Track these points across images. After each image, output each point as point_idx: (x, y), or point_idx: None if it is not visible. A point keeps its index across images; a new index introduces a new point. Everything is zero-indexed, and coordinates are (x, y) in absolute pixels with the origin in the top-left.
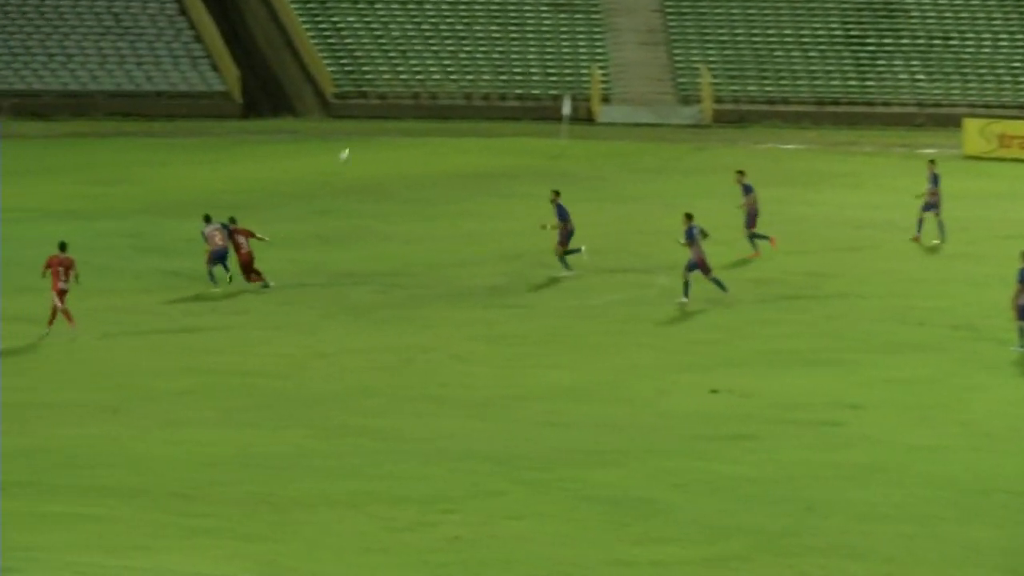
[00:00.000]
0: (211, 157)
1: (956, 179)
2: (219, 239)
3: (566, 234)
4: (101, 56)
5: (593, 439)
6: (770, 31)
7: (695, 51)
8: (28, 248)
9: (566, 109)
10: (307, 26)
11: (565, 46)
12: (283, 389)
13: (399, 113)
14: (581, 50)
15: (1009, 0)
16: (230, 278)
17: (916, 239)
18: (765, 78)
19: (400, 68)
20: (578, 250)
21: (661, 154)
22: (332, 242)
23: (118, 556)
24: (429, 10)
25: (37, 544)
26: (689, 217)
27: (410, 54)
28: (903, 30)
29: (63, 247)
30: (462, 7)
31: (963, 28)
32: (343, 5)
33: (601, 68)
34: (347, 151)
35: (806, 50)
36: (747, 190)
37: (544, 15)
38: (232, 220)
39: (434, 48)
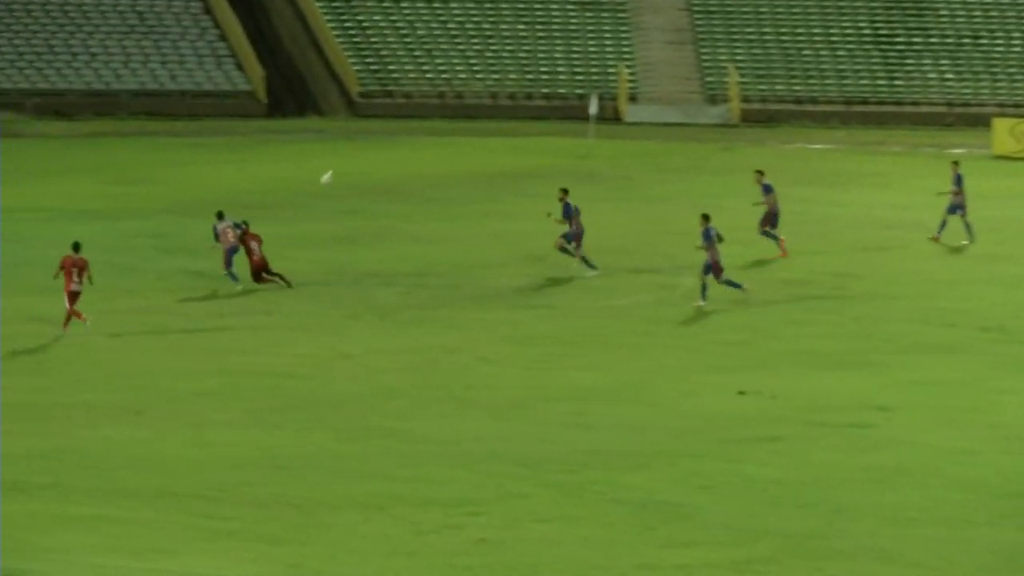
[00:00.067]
0: (236, 157)
1: (985, 179)
2: (231, 236)
3: (576, 234)
4: (125, 55)
5: (619, 441)
6: (798, 30)
7: (723, 50)
8: (51, 248)
9: (593, 108)
10: (332, 25)
11: (592, 45)
12: (308, 390)
13: (425, 112)
14: (608, 49)
15: None
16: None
17: (935, 239)
18: (793, 77)
19: (426, 67)
20: (594, 269)
21: (688, 154)
22: (357, 242)
23: (142, 559)
24: (455, 8)
25: (60, 546)
26: (706, 218)
27: (436, 53)
28: (932, 29)
29: (77, 247)
30: (488, 5)
31: (992, 27)
32: (369, 3)
33: (628, 67)
34: (329, 173)
35: (834, 49)
36: (767, 189)
37: (571, 13)
38: (245, 223)
39: (460, 47)
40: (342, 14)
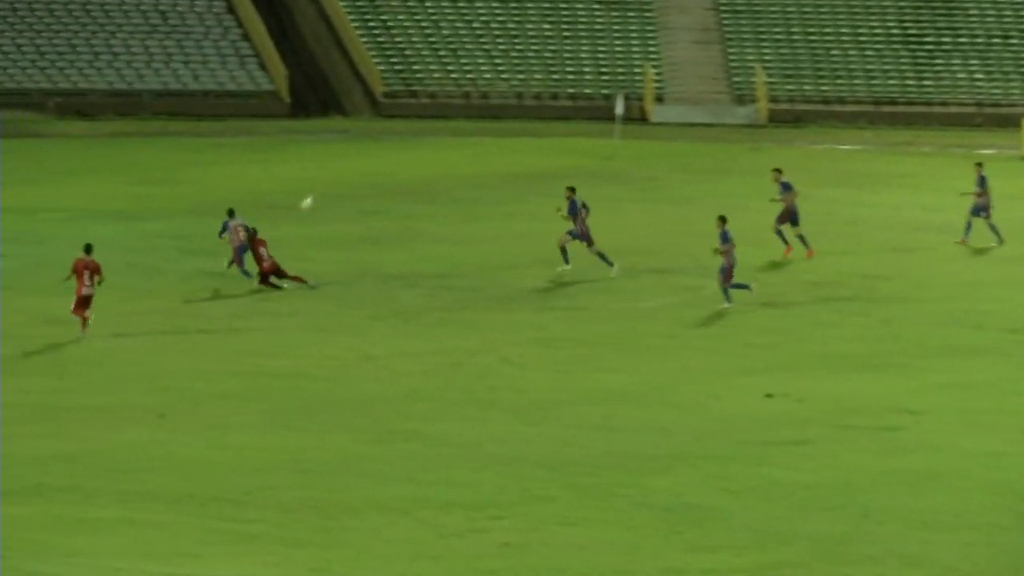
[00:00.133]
0: (259, 157)
1: (1014, 180)
2: (242, 234)
3: (582, 233)
4: (148, 55)
5: (645, 444)
6: (826, 29)
7: (750, 50)
8: (73, 249)
9: (619, 109)
10: (356, 24)
11: (618, 44)
12: (331, 393)
13: (449, 112)
14: (634, 49)
15: None
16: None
17: (963, 242)
18: (821, 77)
19: (451, 67)
20: (611, 265)
21: (715, 155)
22: (381, 243)
23: (163, 563)
24: (480, 8)
25: (81, 550)
26: (723, 220)
27: (461, 52)
28: (961, 28)
29: (89, 249)
30: (513, 4)
31: (1023, 26)
32: (393, 2)
33: (654, 67)
34: (310, 199)
35: (863, 49)
36: (785, 188)
37: (597, 13)
38: (253, 229)
39: (485, 46)
40: (366, 13)
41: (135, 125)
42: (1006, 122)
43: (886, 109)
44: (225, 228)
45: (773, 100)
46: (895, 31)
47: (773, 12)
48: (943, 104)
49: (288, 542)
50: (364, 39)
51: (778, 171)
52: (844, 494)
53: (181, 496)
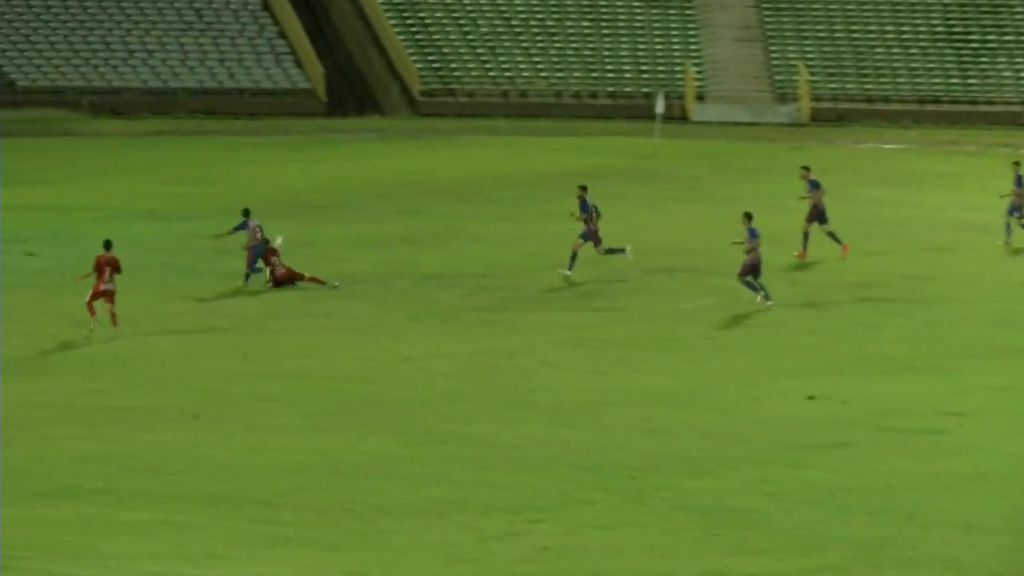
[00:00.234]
0: (295, 156)
1: None
2: (259, 235)
3: (590, 232)
4: (183, 52)
5: (685, 446)
6: (870, 27)
7: (792, 47)
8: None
9: (659, 107)
10: (394, 22)
11: (658, 42)
12: (368, 394)
13: (488, 111)
14: (675, 46)
15: None
16: (267, 281)
17: (1006, 243)
18: (864, 75)
19: (489, 65)
20: (623, 251)
21: (757, 154)
22: (419, 243)
23: (198, 565)
24: (519, 5)
25: (114, 552)
26: (749, 217)
27: (499, 51)
28: (1007, 26)
29: (108, 246)
30: (552, 2)
31: None
32: (431, 0)
33: (695, 65)
34: (281, 237)
35: (907, 47)
36: (813, 186)
37: (636, 10)
38: (267, 240)
39: (524, 44)
40: (404, 11)
41: (170, 124)
42: None
43: (930, 108)
44: (244, 227)
45: (816, 98)
46: (939, 28)
47: (816, 9)
48: (988, 103)
49: (323, 545)
50: (402, 37)
51: (806, 169)
52: (887, 498)
53: (216, 498)
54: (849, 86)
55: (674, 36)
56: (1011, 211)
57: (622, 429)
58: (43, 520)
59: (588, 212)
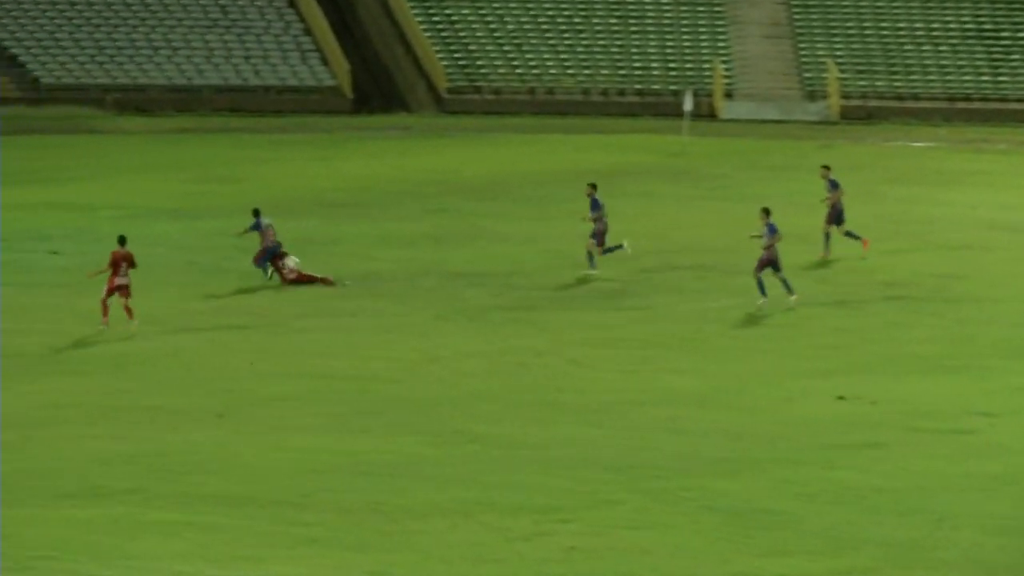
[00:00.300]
0: (321, 154)
1: None
2: (272, 235)
3: (598, 231)
4: (208, 50)
5: (715, 447)
6: (900, 24)
7: (821, 45)
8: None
9: (687, 105)
10: (420, 19)
11: (686, 39)
12: (395, 394)
13: (514, 109)
14: (703, 44)
15: None
16: (271, 276)
17: None
18: (894, 73)
19: (516, 62)
20: (620, 246)
21: (785, 152)
22: (445, 242)
23: (223, 566)
24: (546, 2)
25: (139, 552)
26: (767, 212)
27: (526, 48)
28: None
29: (123, 241)
30: None
31: None
32: None
33: (724, 62)
34: (294, 259)
35: (937, 44)
36: (833, 186)
37: (664, 7)
38: (279, 244)
39: (551, 42)
40: (430, 7)
41: (195, 121)
42: None
43: (960, 105)
44: (257, 226)
45: (845, 96)
46: (970, 25)
47: (845, 6)
48: (1019, 100)
49: (349, 546)
50: (428, 34)
51: (826, 168)
52: (917, 498)
53: (241, 499)
54: (879, 83)
55: (702, 33)
56: None
57: (650, 429)
58: (68, 520)
59: (600, 210)
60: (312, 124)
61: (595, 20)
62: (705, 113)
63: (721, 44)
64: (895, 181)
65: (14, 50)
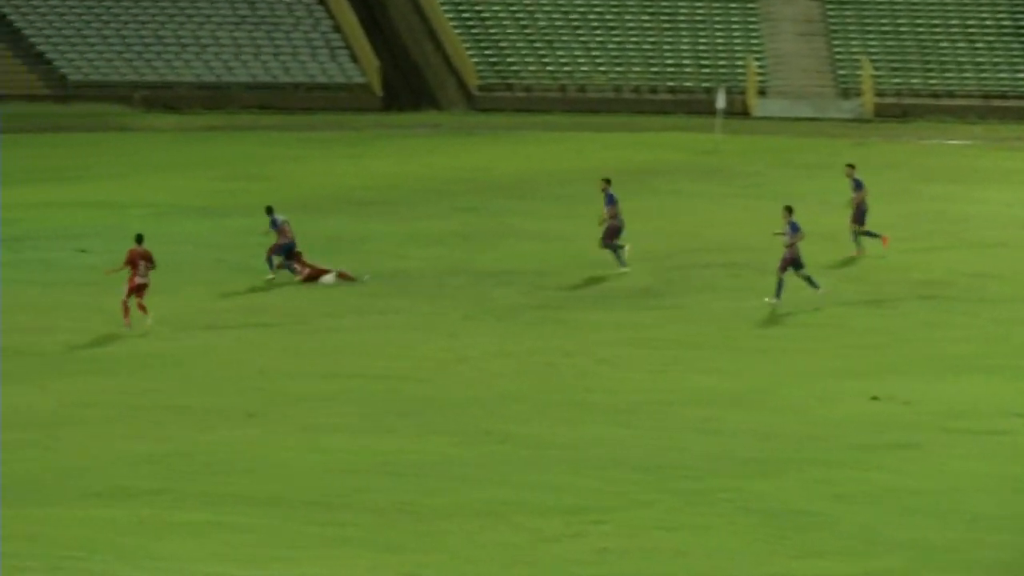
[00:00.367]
0: (350, 152)
1: None
2: (289, 231)
3: (614, 228)
4: (236, 47)
5: (747, 447)
6: (935, 21)
7: (856, 42)
8: (161, 245)
9: (720, 102)
10: (450, 15)
11: (719, 36)
12: (424, 394)
13: (545, 106)
14: (736, 41)
15: None
16: (276, 273)
17: None
18: (929, 70)
19: (547, 59)
20: (622, 247)
21: (819, 150)
22: (475, 240)
23: (253, 567)
24: None
25: (169, 553)
26: (789, 210)
27: (557, 45)
28: None
29: (140, 239)
30: None
31: None
32: None
33: (757, 59)
34: (333, 275)
35: (972, 40)
36: (857, 185)
37: (697, 3)
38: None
39: (582, 39)
40: (460, 4)
41: (223, 119)
42: None
43: (996, 103)
44: (274, 224)
45: (879, 94)
46: (1006, 22)
47: (880, 2)
48: None
49: (380, 546)
50: (458, 31)
51: (851, 167)
52: (952, 500)
53: (271, 499)
54: (913, 81)
55: (735, 30)
56: None
57: (681, 429)
58: (96, 520)
59: (615, 205)
60: (341, 122)
61: (627, 17)
62: (738, 111)
63: (754, 41)
64: (930, 179)
65: (42, 47)
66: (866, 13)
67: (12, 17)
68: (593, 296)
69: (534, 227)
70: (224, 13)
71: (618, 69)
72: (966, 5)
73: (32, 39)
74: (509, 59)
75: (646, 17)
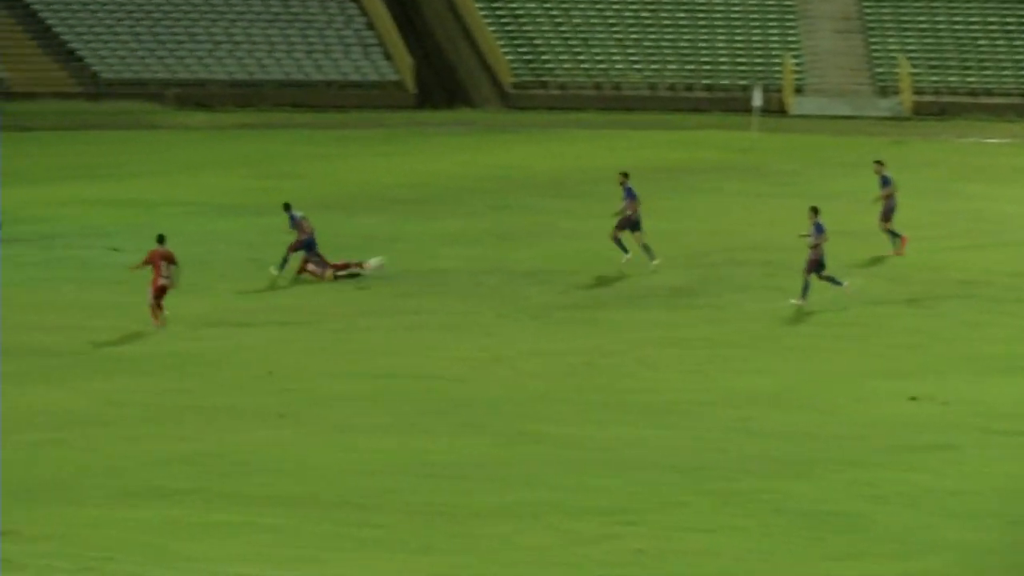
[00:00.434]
0: (384, 150)
1: None
2: (308, 227)
3: (627, 220)
4: (269, 44)
5: (785, 448)
6: (973, 18)
7: (893, 39)
8: (193, 245)
9: (756, 100)
10: (484, 12)
11: (755, 34)
12: (459, 394)
13: (580, 104)
14: (773, 38)
15: None
16: (282, 270)
17: None
18: (968, 68)
19: (582, 57)
20: (626, 250)
21: (857, 148)
22: (509, 239)
23: (285, 568)
24: None
25: (201, 555)
26: (815, 211)
27: (592, 42)
28: None
29: (162, 239)
30: None
31: None
32: None
33: (794, 57)
34: (380, 259)
35: (1012, 38)
36: (885, 182)
37: (733, 1)
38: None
39: (617, 36)
40: (494, 1)
41: (256, 116)
42: None
43: None
44: (293, 220)
45: (917, 92)
46: None
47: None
48: None
49: (414, 548)
50: (492, 28)
51: (879, 163)
52: (993, 501)
53: (304, 500)
54: (952, 79)
55: (772, 27)
56: None
57: (719, 430)
58: (128, 521)
59: (634, 199)
60: (374, 119)
61: (663, 14)
62: (774, 109)
63: (791, 38)
64: (968, 178)
65: (73, 44)
66: (904, 10)
67: (44, 14)
68: (628, 295)
69: (569, 226)
70: (257, 10)
71: (654, 66)
72: (1005, 2)
73: (64, 36)
74: (543, 56)
75: (682, 14)
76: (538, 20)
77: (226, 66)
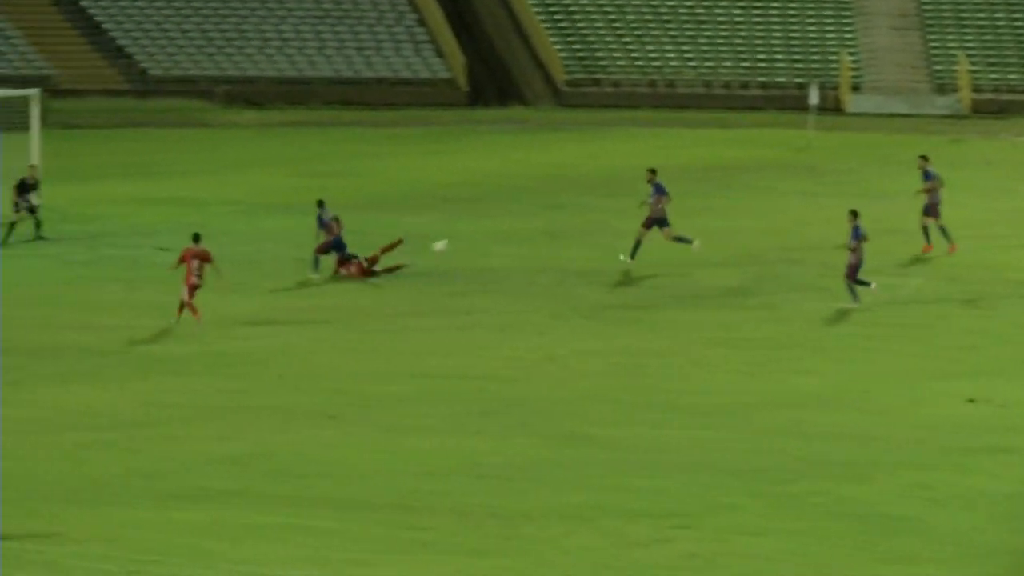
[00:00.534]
0: (435, 148)
1: None
2: (335, 228)
3: (652, 218)
4: (319, 41)
5: (840, 450)
6: None
7: (951, 36)
8: (240, 244)
9: (813, 98)
10: (537, 9)
11: (812, 31)
12: (510, 394)
13: (634, 102)
14: (829, 35)
15: None
16: (319, 272)
17: None
18: None
19: (635, 54)
20: (690, 241)
21: (914, 147)
22: (562, 238)
23: (334, 571)
24: None
25: (247, 557)
26: (855, 215)
27: (646, 39)
28: None
29: (197, 238)
30: None
31: None
32: None
33: (851, 54)
34: (444, 242)
35: None
36: (927, 176)
37: None
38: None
39: (672, 33)
40: None
41: (306, 114)
42: None
43: None
44: (321, 222)
45: (976, 89)
46: None
47: None
48: None
49: (464, 550)
50: (545, 25)
51: (924, 158)
52: None
53: (353, 502)
54: (1011, 77)
55: (828, 24)
56: None
57: (772, 432)
58: (173, 523)
59: (664, 195)
60: (426, 117)
61: (718, 10)
62: (831, 107)
63: (848, 36)
64: None
65: (122, 41)
66: (962, 7)
67: (92, 11)
68: (681, 295)
69: (622, 225)
70: (307, 7)
71: (708, 64)
72: None
73: (112, 33)
74: (597, 53)
75: (737, 11)
76: (591, 16)
77: (276, 63)
